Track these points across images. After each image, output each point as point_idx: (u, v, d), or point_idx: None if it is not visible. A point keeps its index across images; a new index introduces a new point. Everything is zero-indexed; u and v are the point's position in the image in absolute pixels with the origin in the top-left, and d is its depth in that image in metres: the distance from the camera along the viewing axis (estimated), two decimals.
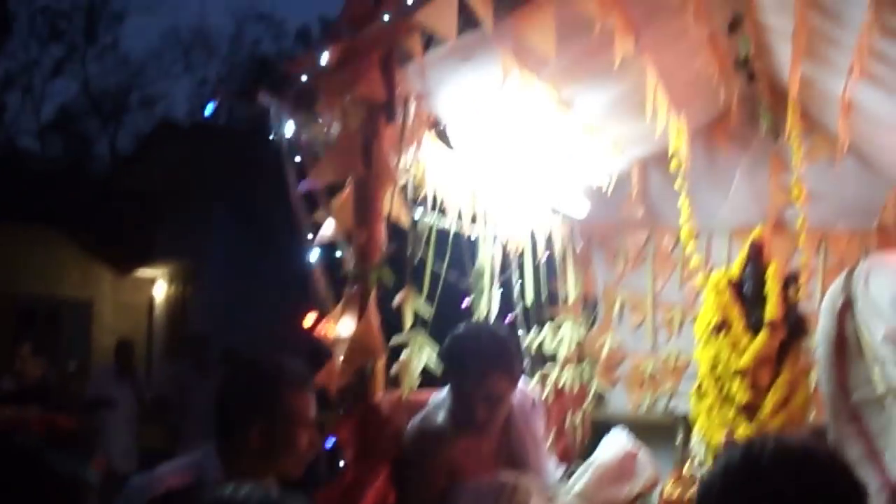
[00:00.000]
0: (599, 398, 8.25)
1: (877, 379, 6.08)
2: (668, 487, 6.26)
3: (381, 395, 4.27)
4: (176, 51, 38.20)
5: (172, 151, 24.19)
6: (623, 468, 5.46)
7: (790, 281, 6.49)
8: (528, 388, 5.43)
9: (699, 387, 6.51)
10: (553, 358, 7.47)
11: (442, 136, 4.82)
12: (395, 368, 4.61)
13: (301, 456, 3.46)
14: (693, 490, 6.11)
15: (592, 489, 5.29)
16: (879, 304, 5.96)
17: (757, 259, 6.54)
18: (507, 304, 6.60)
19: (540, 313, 7.17)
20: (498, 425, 4.92)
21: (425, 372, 4.93)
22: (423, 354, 4.78)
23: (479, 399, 4.62)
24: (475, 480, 4.55)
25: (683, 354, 7.97)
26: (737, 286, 6.53)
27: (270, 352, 3.83)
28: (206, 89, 37.09)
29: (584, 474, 5.41)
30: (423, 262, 5.03)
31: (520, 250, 6.62)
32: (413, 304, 4.66)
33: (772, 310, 6.29)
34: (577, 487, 5.31)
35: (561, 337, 7.53)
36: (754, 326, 6.32)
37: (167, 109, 37.42)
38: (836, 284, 6.48)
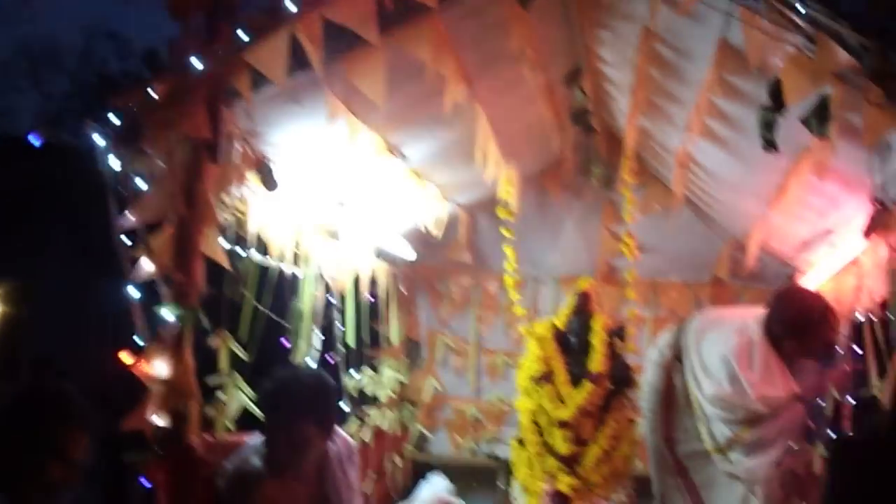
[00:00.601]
0: (422, 440, 8.32)
1: (704, 436, 6.24)
2: None
3: (195, 437, 4.27)
4: (25, 64, 37.13)
5: (14, 167, 23.52)
6: None
7: (616, 333, 6.59)
8: (345, 433, 5.44)
9: (520, 436, 6.55)
10: (374, 400, 7.52)
11: (267, 176, 4.83)
12: (210, 410, 4.61)
13: (49, 489, 3.49)
14: None
15: None
16: (709, 363, 6.11)
17: (583, 310, 6.61)
18: (329, 345, 6.63)
19: (362, 355, 7.20)
20: (312, 470, 4.95)
21: (247, 414, 4.94)
22: (239, 396, 4.80)
23: (287, 444, 4.66)
24: None
25: (506, 400, 8.07)
26: (561, 337, 6.59)
27: (62, 383, 3.80)
28: (53, 105, 36.21)
29: None
30: (243, 302, 5.03)
31: (343, 291, 6.64)
32: (229, 346, 4.68)
33: (596, 362, 6.37)
34: None
35: (382, 379, 7.58)
36: (578, 378, 6.37)
37: (12, 124, 36.33)
38: (666, 336, 6.62)
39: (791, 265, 7.23)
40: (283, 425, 4.67)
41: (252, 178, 4.80)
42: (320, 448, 4.91)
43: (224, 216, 4.64)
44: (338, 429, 5.12)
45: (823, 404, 6.11)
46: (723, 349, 6.00)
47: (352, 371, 7.09)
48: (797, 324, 5.89)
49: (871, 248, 5.13)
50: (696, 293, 8.15)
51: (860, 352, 6.08)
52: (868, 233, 4.77)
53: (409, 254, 7.49)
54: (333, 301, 6.60)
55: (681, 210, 7.23)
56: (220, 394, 4.76)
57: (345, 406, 6.81)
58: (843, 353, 6.08)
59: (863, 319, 5.70)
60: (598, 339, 6.47)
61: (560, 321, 6.68)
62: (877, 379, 5.24)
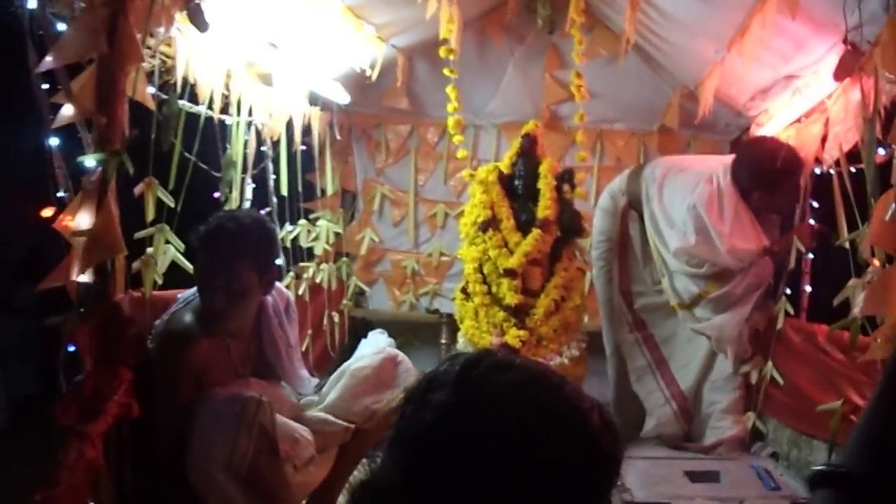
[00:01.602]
0: (360, 295, 8.23)
1: (666, 290, 6.15)
2: None
3: (121, 293, 4.08)
4: None
5: None
6: (382, 375, 5.25)
7: (565, 177, 6.41)
8: (283, 287, 5.26)
9: (465, 287, 6.42)
10: (310, 253, 7.38)
11: (197, 15, 4.57)
12: (136, 265, 4.40)
13: None
14: None
15: (348, 399, 5.04)
16: (672, 214, 5.99)
17: (530, 153, 6.43)
18: (262, 196, 6.41)
19: (296, 207, 7.03)
20: (248, 326, 4.78)
21: (176, 269, 4.74)
22: (168, 250, 4.60)
23: (224, 293, 4.47)
24: (219, 391, 4.38)
25: (446, 252, 8.02)
26: (507, 181, 6.43)
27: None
28: None
29: (339, 382, 5.18)
30: (171, 150, 4.79)
31: (276, 138, 6.40)
32: (156, 194, 4.45)
33: (544, 207, 6.21)
34: (332, 397, 5.07)
35: (318, 231, 7.41)
36: (525, 224, 6.24)
37: None
38: (619, 183, 6.50)
39: (745, 114, 7.10)
40: (219, 270, 4.46)
41: (180, 18, 4.55)
42: (259, 298, 4.74)
43: (150, 59, 4.41)
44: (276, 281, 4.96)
45: (785, 259, 6.03)
46: (691, 198, 5.89)
47: (286, 223, 6.88)
48: (768, 175, 5.79)
49: (840, 94, 4.97)
50: (643, 142, 8.08)
51: (817, 205, 6.02)
52: (839, 76, 4.62)
53: (344, 97, 7.23)
54: (266, 149, 6.36)
55: (629, 56, 7.05)
56: (148, 248, 4.53)
57: (281, 258, 6.64)
58: (807, 206, 6.00)
59: (825, 170, 5.58)
60: (545, 184, 6.29)
61: (505, 165, 6.50)
62: (847, 230, 5.06)
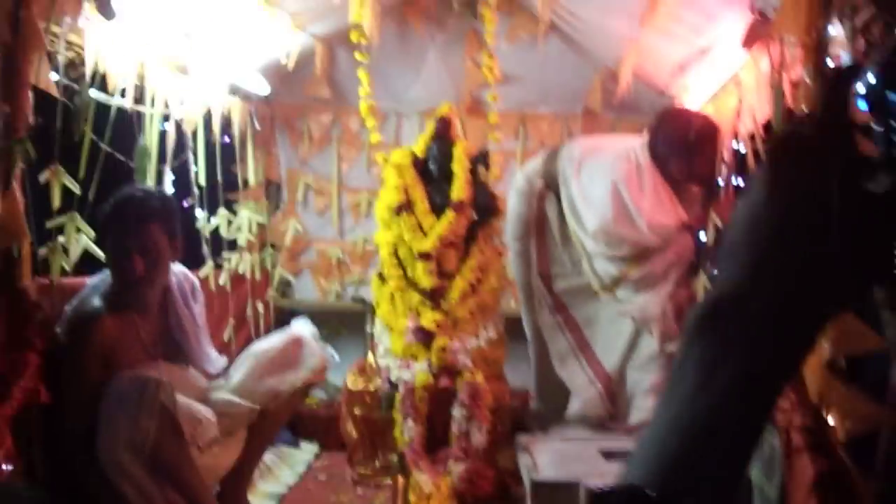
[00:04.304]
0: (287, 286, 8.27)
1: (587, 273, 6.19)
2: (351, 378, 6.20)
3: (28, 280, 4.11)
4: None
5: None
6: (286, 355, 5.29)
7: (479, 159, 6.52)
8: (187, 270, 5.31)
9: (381, 271, 6.51)
10: (233, 245, 7.43)
11: (101, 3, 4.58)
12: (44, 251, 4.42)
13: None
14: (378, 380, 6.14)
15: (252, 380, 5.07)
16: (592, 192, 6.01)
17: (443, 136, 6.53)
18: (182, 188, 6.41)
19: (217, 198, 7.05)
20: (155, 304, 4.83)
21: (89, 259, 4.76)
22: (78, 238, 4.63)
23: (138, 252, 4.53)
24: (123, 374, 4.42)
25: (371, 240, 8.02)
26: (421, 164, 6.54)
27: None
28: None
29: (244, 364, 5.26)
30: (80, 139, 4.81)
31: (194, 130, 6.39)
32: (61, 182, 4.48)
33: (458, 189, 6.32)
34: (236, 378, 5.16)
35: (239, 221, 7.46)
36: (439, 207, 6.34)
37: None
38: (535, 164, 6.54)
39: (667, 93, 7.16)
40: (133, 234, 4.55)
41: (88, 7, 4.57)
42: (169, 267, 4.82)
43: (57, 49, 4.42)
44: (178, 264, 5.04)
45: (704, 235, 6.07)
46: (610, 176, 5.92)
47: (207, 214, 6.87)
48: (683, 141, 5.82)
49: (751, 63, 5.02)
50: (568, 125, 8.18)
51: (740, 180, 6.05)
52: (748, 43, 4.68)
53: (264, 88, 7.27)
54: (186, 141, 6.36)
55: (549, 38, 7.14)
56: (60, 236, 4.56)
57: (203, 249, 6.70)
58: (725, 180, 6.04)
59: (744, 145, 5.61)
60: (459, 166, 6.41)
61: (419, 148, 6.62)
62: None
